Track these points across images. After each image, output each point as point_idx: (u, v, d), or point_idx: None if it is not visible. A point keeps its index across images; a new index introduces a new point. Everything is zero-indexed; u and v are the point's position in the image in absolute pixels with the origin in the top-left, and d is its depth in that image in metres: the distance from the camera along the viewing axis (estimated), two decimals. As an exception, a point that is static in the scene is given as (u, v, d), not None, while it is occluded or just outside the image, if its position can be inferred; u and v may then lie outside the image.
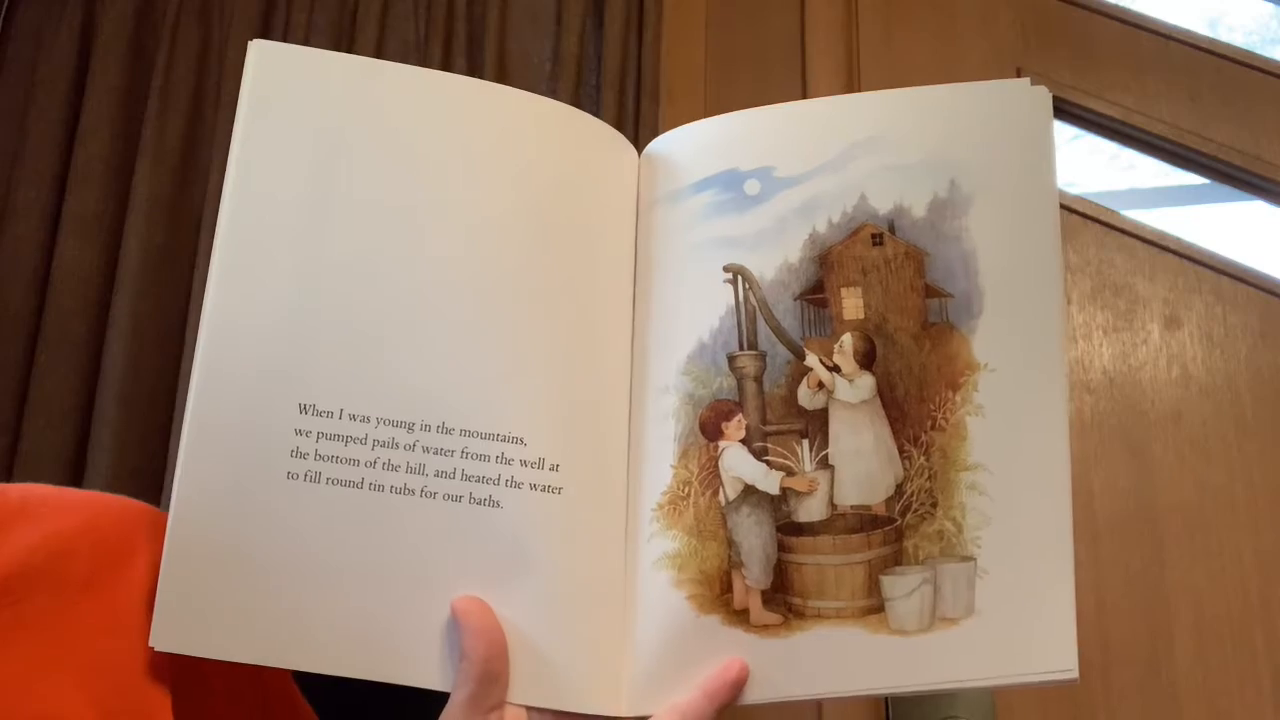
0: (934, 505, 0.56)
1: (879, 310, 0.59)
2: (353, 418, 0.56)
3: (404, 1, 1.53)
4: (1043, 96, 0.60)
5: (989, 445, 0.56)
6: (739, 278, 0.60)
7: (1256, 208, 1.42)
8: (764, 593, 0.56)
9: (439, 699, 0.55)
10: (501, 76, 1.46)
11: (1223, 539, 1.25)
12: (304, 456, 0.55)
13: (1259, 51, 1.42)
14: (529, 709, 0.55)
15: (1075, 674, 0.54)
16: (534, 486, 0.57)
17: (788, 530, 0.57)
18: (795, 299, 0.59)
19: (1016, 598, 0.55)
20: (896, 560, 0.56)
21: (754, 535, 0.57)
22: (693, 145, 0.63)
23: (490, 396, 0.57)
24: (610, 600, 0.57)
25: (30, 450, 1.38)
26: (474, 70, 1.47)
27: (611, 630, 0.57)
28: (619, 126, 1.36)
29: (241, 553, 0.54)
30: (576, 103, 1.42)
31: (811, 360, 0.58)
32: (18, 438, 1.40)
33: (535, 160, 0.61)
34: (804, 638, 0.56)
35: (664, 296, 0.61)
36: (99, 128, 1.49)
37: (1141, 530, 1.27)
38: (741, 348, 0.59)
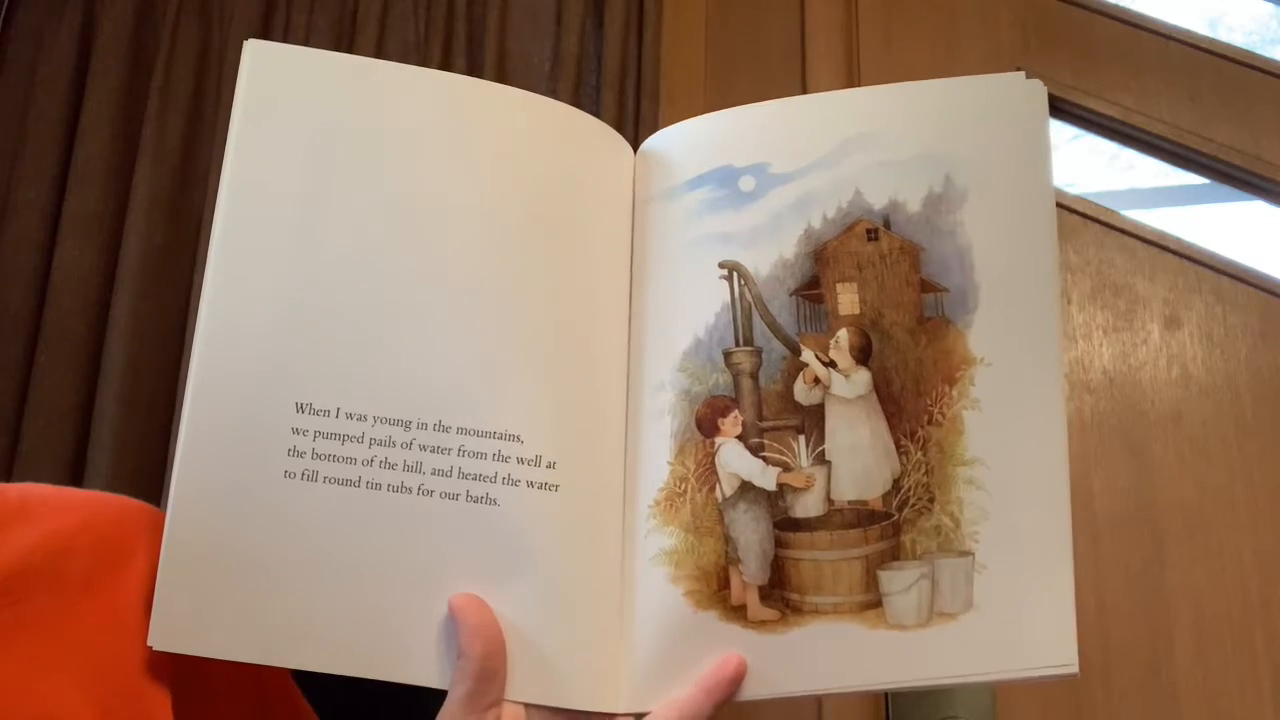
0: (931, 500, 0.56)
1: (875, 305, 0.58)
2: (349, 416, 0.56)
3: (404, 1, 1.54)
4: (1037, 89, 0.60)
5: (986, 440, 0.56)
6: (734, 274, 0.60)
7: (1256, 208, 1.42)
8: (761, 588, 0.56)
9: (437, 697, 0.54)
10: (501, 76, 1.46)
11: (1223, 539, 1.25)
12: (301, 455, 0.55)
13: (1259, 51, 1.41)
14: (527, 706, 0.55)
15: (1075, 668, 0.53)
16: (531, 484, 0.57)
17: (785, 526, 0.57)
18: (791, 295, 0.59)
19: (1015, 592, 0.54)
20: (894, 555, 0.56)
21: (751, 531, 0.57)
22: (687, 142, 0.63)
23: (487, 394, 0.57)
24: (608, 597, 0.57)
25: (30, 450, 1.38)
26: (474, 70, 1.47)
27: (609, 627, 0.57)
28: (619, 127, 1.37)
29: (240, 552, 0.54)
30: (576, 103, 1.42)
31: (807, 356, 0.58)
32: (18, 438, 1.40)
33: (530, 158, 0.61)
34: (802, 633, 0.55)
35: (660, 293, 0.61)
36: (99, 127, 1.49)
37: (1141, 530, 1.27)
38: (737, 344, 0.59)
